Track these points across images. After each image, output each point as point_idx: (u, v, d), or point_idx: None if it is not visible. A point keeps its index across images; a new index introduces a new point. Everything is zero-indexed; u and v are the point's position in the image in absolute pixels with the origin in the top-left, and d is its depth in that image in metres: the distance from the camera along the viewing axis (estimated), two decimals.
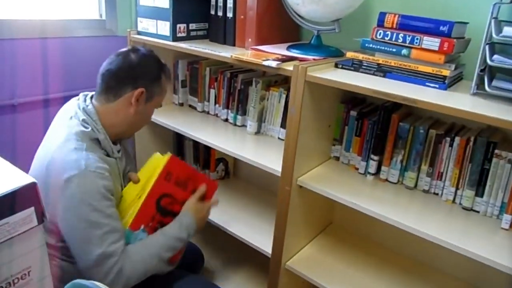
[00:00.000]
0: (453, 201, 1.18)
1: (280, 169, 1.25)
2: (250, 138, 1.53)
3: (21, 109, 1.67)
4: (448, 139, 1.15)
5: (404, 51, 1.09)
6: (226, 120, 1.68)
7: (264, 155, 1.37)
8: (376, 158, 1.27)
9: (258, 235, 1.48)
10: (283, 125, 1.47)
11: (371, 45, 1.15)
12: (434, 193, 1.22)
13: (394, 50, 1.11)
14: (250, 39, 1.42)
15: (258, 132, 1.57)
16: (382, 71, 1.14)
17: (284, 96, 1.46)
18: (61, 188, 1.00)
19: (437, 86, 1.06)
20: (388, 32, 1.11)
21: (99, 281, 0.66)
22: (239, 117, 1.62)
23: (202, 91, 1.76)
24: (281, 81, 1.58)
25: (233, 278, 1.75)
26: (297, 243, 1.42)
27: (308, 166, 1.31)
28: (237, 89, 1.59)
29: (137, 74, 1.17)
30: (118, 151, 1.21)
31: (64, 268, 1.11)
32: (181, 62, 1.79)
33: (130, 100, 1.16)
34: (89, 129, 1.10)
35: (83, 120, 1.11)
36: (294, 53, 1.31)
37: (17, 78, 1.63)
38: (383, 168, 1.27)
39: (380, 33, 1.12)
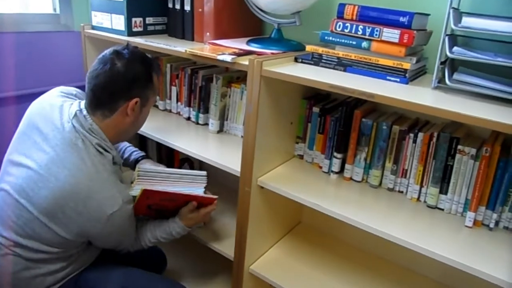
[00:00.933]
0: (418, 199, 1.14)
1: (239, 169, 1.19)
2: (212, 137, 1.46)
3: None
4: (411, 135, 1.11)
5: (364, 44, 1.04)
6: (189, 118, 1.61)
7: (225, 155, 1.30)
8: (339, 156, 1.22)
9: (221, 238, 1.41)
10: (244, 121, 1.41)
11: (330, 38, 1.09)
12: (399, 191, 1.18)
13: (354, 43, 1.06)
14: (208, 33, 1.35)
15: (220, 130, 1.51)
16: (343, 65, 1.09)
17: (246, 92, 1.40)
18: (103, 221, 1.04)
19: (398, 80, 1.02)
20: (348, 24, 1.06)
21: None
22: (201, 115, 1.55)
23: (163, 89, 1.68)
24: (243, 77, 1.51)
25: (197, 282, 1.68)
26: (261, 245, 1.36)
27: (269, 166, 1.25)
28: (198, 86, 1.51)
29: (128, 85, 1.10)
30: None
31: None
32: None
33: (126, 111, 1.12)
34: (106, 153, 1.11)
35: (97, 144, 1.09)
36: (253, 47, 1.25)
37: None
38: (347, 166, 1.22)
39: (340, 25, 1.07)
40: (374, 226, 1.00)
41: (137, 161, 1.44)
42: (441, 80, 0.98)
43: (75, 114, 1.10)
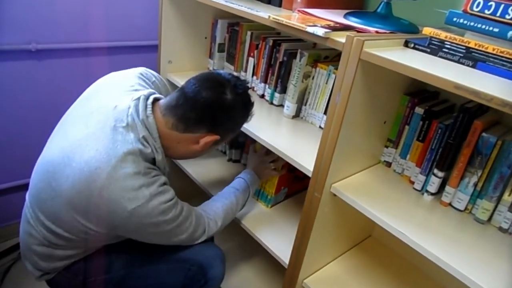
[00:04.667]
0: None
1: (311, 169, 0.98)
2: (286, 122, 1.26)
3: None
4: None
5: None
6: (263, 96, 1.42)
7: (298, 146, 1.10)
8: (440, 174, 0.95)
9: (281, 240, 1.22)
10: (327, 112, 1.18)
11: (461, 20, 0.81)
12: None
13: (496, 30, 0.77)
14: (299, 0, 1.12)
15: (296, 115, 1.30)
16: (472, 58, 0.81)
17: (333, 76, 1.16)
18: (124, 217, 0.90)
19: None
20: (493, 3, 0.77)
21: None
22: (277, 94, 1.35)
23: (239, 59, 1.50)
24: (334, 57, 1.27)
25: (244, 281, 1.54)
26: (321, 258, 1.16)
27: (348, 170, 1.02)
28: (278, 60, 1.31)
29: (220, 120, 1.00)
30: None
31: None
32: (220, 22, 1.53)
33: (199, 140, 1.00)
34: (149, 150, 0.94)
35: (143, 137, 0.94)
36: (352, 21, 1.00)
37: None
38: (447, 188, 0.96)
39: (479, 3, 0.78)
40: (472, 277, 0.75)
41: None
42: None
43: (138, 98, 0.97)
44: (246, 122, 1.09)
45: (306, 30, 0.88)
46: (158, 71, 1.56)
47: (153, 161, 0.96)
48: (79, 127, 0.95)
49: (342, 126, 0.88)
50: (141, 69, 1.14)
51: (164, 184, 0.95)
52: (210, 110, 0.96)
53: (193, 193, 1.88)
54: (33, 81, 1.53)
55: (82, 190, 0.88)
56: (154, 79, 1.16)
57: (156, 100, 1.01)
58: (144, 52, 1.76)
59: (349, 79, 0.83)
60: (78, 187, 0.88)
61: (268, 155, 1.31)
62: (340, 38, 0.85)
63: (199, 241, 1.08)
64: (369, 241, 1.34)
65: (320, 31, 0.86)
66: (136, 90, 1.03)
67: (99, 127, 0.92)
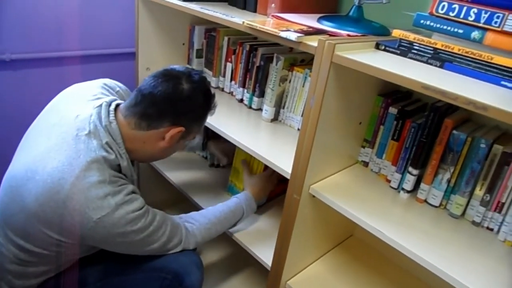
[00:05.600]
0: None
1: (290, 172, 0.99)
2: (264, 126, 1.28)
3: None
4: None
5: (476, 34, 0.78)
6: (241, 101, 1.43)
7: (277, 149, 1.11)
8: (415, 172, 0.98)
9: (263, 243, 1.23)
10: (303, 115, 1.20)
11: (428, 22, 0.84)
12: (488, 228, 0.93)
13: (461, 31, 0.80)
14: (273, 5, 1.14)
15: (275, 119, 1.31)
16: (440, 59, 0.84)
17: (310, 79, 1.18)
18: (90, 228, 0.88)
19: None
20: (456, 5, 0.80)
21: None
22: (255, 98, 1.36)
23: (218, 64, 1.50)
24: (309, 60, 1.29)
25: (228, 285, 1.54)
26: (303, 259, 1.17)
27: (326, 171, 1.04)
28: (255, 65, 1.32)
29: (182, 111, 0.99)
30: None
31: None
32: (198, 28, 1.54)
33: (164, 135, 0.99)
34: (113, 156, 0.93)
35: (106, 143, 0.93)
36: (325, 25, 1.02)
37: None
38: (422, 185, 0.98)
39: (444, 6, 0.81)
40: (450, 272, 0.77)
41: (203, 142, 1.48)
42: None
43: (100, 105, 0.97)
44: (210, 112, 1.07)
45: (279, 35, 0.90)
46: (136, 79, 1.55)
47: (118, 168, 0.96)
48: (41, 140, 0.94)
49: (317, 128, 0.89)
50: (105, 80, 1.14)
51: (132, 192, 0.94)
52: (169, 102, 0.96)
53: (177, 200, 1.88)
54: (8, 91, 1.51)
55: (47, 202, 0.86)
56: (118, 89, 1.15)
57: (118, 106, 1.01)
58: (122, 60, 1.76)
59: (322, 82, 0.85)
60: (42, 200, 0.86)
61: (272, 175, 1.32)
62: (313, 42, 0.87)
63: (174, 251, 1.05)
64: (351, 240, 1.36)
65: (293, 36, 0.87)
66: (98, 98, 1.03)
67: (61, 138, 0.91)
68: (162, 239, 1.01)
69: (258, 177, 1.31)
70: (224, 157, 1.50)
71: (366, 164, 1.12)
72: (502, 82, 0.76)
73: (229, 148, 1.45)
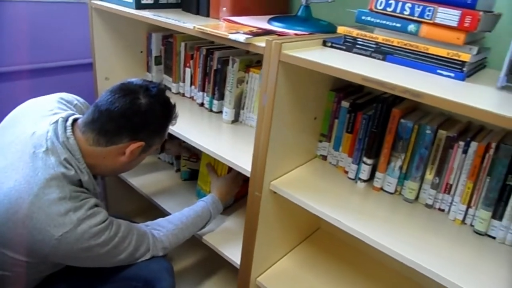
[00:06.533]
0: (463, 221, 0.93)
1: (250, 170, 1.01)
2: (225, 127, 1.29)
3: None
4: (461, 143, 0.90)
5: (412, 27, 0.83)
6: (202, 104, 1.44)
7: (237, 150, 1.13)
8: (369, 161, 1.02)
9: (231, 242, 1.25)
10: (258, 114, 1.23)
11: (369, 18, 0.89)
12: (440, 209, 0.98)
13: (398, 25, 0.85)
14: (224, 8, 1.17)
15: (236, 120, 1.33)
16: (382, 52, 0.88)
17: None
18: (53, 245, 0.87)
19: (452, 75, 0.80)
20: (392, 1, 0.84)
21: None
22: (215, 101, 1.38)
23: (177, 70, 1.51)
24: None
25: (202, 285, 1.55)
26: (271, 255, 1.20)
27: (286, 167, 1.07)
28: (213, 68, 1.34)
29: (140, 125, 0.98)
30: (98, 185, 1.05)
31: None
32: (155, 35, 1.54)
33: (124, 150, 0.99)
34: (72, 172, 0.92)
35: (65, 159, 0.92)
36: (274, 26, 1.06)
37: None
38: (377, 174, 1.03)
39: (382, 2, 0.86)
40: (405, 254, 0.81)
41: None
42: (510, 77, 0.76)
43: (56, 121, 0.95)
44: (171, 123, 1.07)
45: (229, 37, 0.92)
46: (95, 89, 1.54)
47: (79, 183, 0.95)
48: None
49: (272, 125, 0.92)
50: (62, 94, 1.12)
51: (95, 206, 0.93)
52: (127, 118, 0.95)
53: (147, 208, 1.87)
54: None
55: (4, 223, 0.85)
56: (76, 102, 1.14)
57: (75, 120, 1.00)
58: (80, 71, 1.74)
59: (272, 80, 0.88)
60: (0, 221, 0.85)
61: (237, 176, 1.33)
62: (261, 42, 0.89)
63: (143, 259, 1.05)
64: (318, 233, 1.40)
65: (241, 38, 0.90)
66: (55, 114, 1.01)
67: (17, 157, 0.90)
68: (128, 249, 1.00)
69: (224, 179, 1.32)
70: (185, 150, 1.51)
71: (324, 157, 1.16)
72: (438, 71, 0.82)
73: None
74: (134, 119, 0.96)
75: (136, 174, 1.57)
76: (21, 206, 0.84)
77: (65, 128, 0.95)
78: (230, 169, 1.35)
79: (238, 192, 1.41)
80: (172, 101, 1.07)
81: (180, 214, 1.18)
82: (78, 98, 1.17)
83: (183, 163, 1.57)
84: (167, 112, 1.05)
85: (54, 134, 0.93)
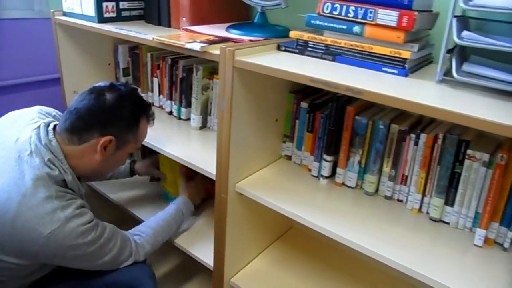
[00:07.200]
0: (420, 210, 0.98)
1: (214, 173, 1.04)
2: (193, 134, 1.32)
3: None
4: (413, 136, 0.95)
5: (356, 29, 0.88)
6: (171, 113, 1.47)
7: (204, 155, 1.16)
8: (329, 158, 1.06)
9: (203, 245, 1.27)
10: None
11: (318, 22, 0.93)
12: (398, 200, 1.03)
13: (344, 27, 0.89)
14: (184, 19, 1.20)
15: (203, 126, 1.36)
16: (331, 53, 0.93)
17: None
18: (42, 244, 0.90)
19: (395, 71, 0.85)
20: (337, 5, 0.89)
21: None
22: (183, 109, 1.41)
23: (144, 81, 1.54)
24: None
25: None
26: (244, 255, 1.23)
27: (251, 169, 1.10)
28: (178, 77, 1.37)
29: (107, 120, 1.01)
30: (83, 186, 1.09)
31: None
32: (121, 47, 1.56)
33: (96, 147, 1.01)
34: (57, 172, 0.96)
35: (48, 160, 0.96)
36: (232, 33, 1.09)
37: None
38: (338, 170, 1.07)
39: (328, 6, 0.90)
40: (367, 246, 0.85)
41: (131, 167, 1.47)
42: (448, 72, 0.81)
43: (38, 127, 1.00)
44: (146, 121, 1.11)
45: (185, 46, 0.95)
46: (63, 103, 1.55)
47: (64, 183, 0.98)
48: None
49: (231, 129, 0.95)
50: (41, 106, 1.17)
51: (82, 207, 0.97)
52: (94, 114, 1.00)
53: (122, 219, 1.87)
54: None
55: None
56: (54, 113, 1.19)
57: (56, 126, 1.04)
58: (48, 86, 1.74)
59: (229, 85, 0.91)
60: None
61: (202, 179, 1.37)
62: (215, 50, 0.93)
63: (125, 264, 1.08)
64: (291, 232, 1.43)
65: (197, 46, 0.93)
66: (36, 122, 1.05)
67: (2, 162, 0.94)
68: (113, 251, 1.03)
69: (193, 181, 1.37)
70: (160, 172, 1.52)
71: (289, 157, 1.20)
72: (383, 68, 0.86)
73: (157, 161, 1.48)
74: (101, 114, 1.00)
75: (109, 186, 1.57)
76: (10, 207, 0.88)
77: (47, 132, 1.00)
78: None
79: (207, 190, 1.43)
80: (145, 100, 1.10)
81: (156, 218, 1.21)
82: (56, 110, 1.21)
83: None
84: (137, 107, 1.07)
85: (37, 137, 0.98)
